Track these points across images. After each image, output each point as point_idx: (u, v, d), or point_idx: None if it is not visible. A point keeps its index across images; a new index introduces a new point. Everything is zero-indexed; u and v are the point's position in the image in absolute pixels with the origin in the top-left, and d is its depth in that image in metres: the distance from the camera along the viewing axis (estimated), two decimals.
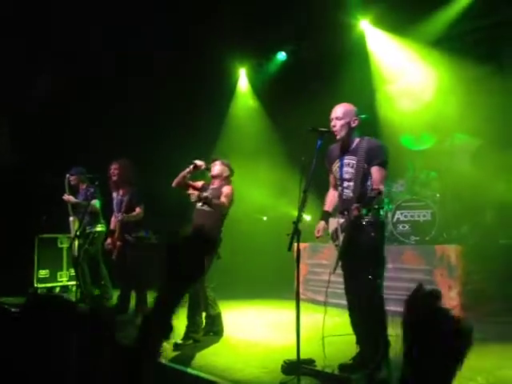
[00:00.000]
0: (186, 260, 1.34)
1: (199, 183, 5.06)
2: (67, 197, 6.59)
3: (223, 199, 4.76)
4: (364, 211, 3.31)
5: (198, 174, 5.11)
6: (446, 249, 5.70)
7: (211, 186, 4.98)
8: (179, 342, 4.44)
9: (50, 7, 7.09)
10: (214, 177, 4.97)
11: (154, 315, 1.31)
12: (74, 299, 6.26)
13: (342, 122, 3.69)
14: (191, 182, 5.00)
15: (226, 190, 4.84)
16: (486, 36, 6.28)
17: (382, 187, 3.54)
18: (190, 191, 4.83)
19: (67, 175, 6.66)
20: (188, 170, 4.84)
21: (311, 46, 7.92)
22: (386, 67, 7.52)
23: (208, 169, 4.95)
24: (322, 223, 3.81)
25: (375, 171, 3.59)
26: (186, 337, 4.58)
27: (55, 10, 7.14)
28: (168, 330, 1.31)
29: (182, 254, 1.35)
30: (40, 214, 7.55)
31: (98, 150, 7.57)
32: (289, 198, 7.29)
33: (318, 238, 3.81)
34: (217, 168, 4.95)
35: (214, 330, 4.90)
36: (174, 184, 4.92)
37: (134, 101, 8.32)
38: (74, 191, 6.75)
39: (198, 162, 4.86)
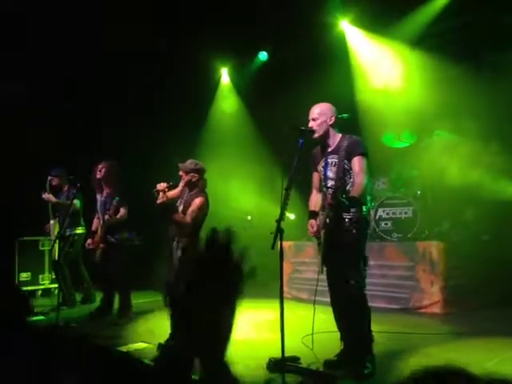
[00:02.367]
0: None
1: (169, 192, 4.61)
2: (47, 195, 6.52)
3: (187, 217, 4.46)
4: (340, 196, 3.35)
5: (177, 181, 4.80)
6: (428, 245, 5.78)
7: (186, 195, 4.69)
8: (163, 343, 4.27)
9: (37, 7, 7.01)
10: (185, 185, 4.68)
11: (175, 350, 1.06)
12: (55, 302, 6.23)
13: (318, 121, 3.74)
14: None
15: (196, 202, 4.52)
16: (464, 35, 6.37)
17: (361, 177, 3.57)
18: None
19: (49, 176, 6.60)
20: (159, 199, 4.48)
21: (292, 46, 7.94)
22: (366, 66, 7.60)
23: (173, 185, 4.61)
24: (312, 221, 3.81)
25: (355, 163, 3.62)
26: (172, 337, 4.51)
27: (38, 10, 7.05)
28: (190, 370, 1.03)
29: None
30: (20, 216, 7.44)
31: (80, 152, 7.49)
32: (273, 196, 7.31)
33: (313, 234, 3.78)
34: (184, 177, 4.63)
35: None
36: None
37: (116, 101, 8.26)
38: (56, 192, 6.69)
39: (160, 186, 4.47)
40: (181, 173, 4.64)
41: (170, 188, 4.54)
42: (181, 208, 4.60)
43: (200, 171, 4.63)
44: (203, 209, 4.54)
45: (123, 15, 7.32)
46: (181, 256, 4.37)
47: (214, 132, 9.10)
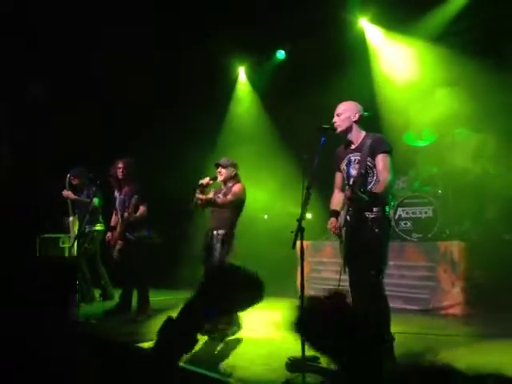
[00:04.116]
0: (228, 295, 1.28)
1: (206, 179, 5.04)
2: (66, 192, 6.61)
3: (228, 196, 4.93)
4: (358, 191, 3.33)
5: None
6: (449, 245, 5.70)
7: (223, 188, 5.11)
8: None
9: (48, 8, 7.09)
10: (224, 181, 5.10)
11: (180, 326, 1.24)
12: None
13: (342, 116, 3.75)
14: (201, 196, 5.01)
15: (234, 188, 5.00)
16: (486, 31, 6.27)
17: (386, 174, 3.54)
18: (198, 196, 4.89)
19: (68, 175, 6.68)
20: (198, 195, 4.88)
21: (310, 44, 7.90)
22: (386, 64, 7.53)
23: (215, 178, 5.05)
24: (333, 219, 3.79)
25: (379, 160, 3.59)
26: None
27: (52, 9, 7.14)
28: (192, 343, 1.24)
29: (225, 288, 1.28)
30: (41, 214, 7.55)
31: (98, 150, 7.57)
32: (289, 196, 7.28)
33: (334, 232, 3.78)
34: (222, 172, 5.07)
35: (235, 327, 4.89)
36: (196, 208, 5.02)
37: (134, 101, 8.31)
38: (76, 191, 6.76)
39: (204, 181, 4.95)
40: (219, 169, 5.07)
41: (213, 180, 5.01)
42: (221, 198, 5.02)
43: (236, 165, 5.16)
44: (242, 193, 5.03)
45: (138, 15, 7.40)
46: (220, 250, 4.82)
47: (232, 131, 9.09)
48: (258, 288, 1.27)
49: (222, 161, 5.12)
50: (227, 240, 4.86)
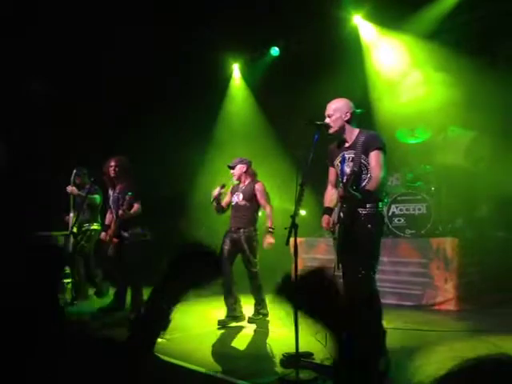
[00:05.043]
0: (195, 269, 1.34)
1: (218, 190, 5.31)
2: (71, 188, 6.60)
3: (265, 206, 5.25)
4: (351, 189, 3.35)
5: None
6: (442, 242, 5.73)
7: (241, 186, 5.39)
8: (251, 316, 5.19)
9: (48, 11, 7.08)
10: (238, 179, 5.40)
11: (153, 308, 1.28)
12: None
13: (333, 117, 3.73)
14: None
15: (259, 188, 5.27)
16: (480, 28, 6.28)
17: (378, 171, 3.55)
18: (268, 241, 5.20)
19: (74, 171, 6.70)
20: (215, 204, 5.27)
21: (304, 41, 7.90)
22: (379, 61, 7.54)
23: (224, 185, 5.32)
24: (326, 216, 3.80)
25: (372, 157, 3.60)
26: (257, 313, 5.23)
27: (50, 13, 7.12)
28: (166, 323, 1.29)
29: (189, 262, 1.35)
30: (36, 211, 7.52)
31: (92, 150, 7.55)
32: (284, 192, 7.29)
33: (327, 229, 3.80)
34: (236, 171, 5.37)
35: (238, 315, 5.22)
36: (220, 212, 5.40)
37: (128, 98, 8.29)
38: (78, 189, 6.77)
39: (215, 193, 5.22)
40: (231, 171, 5.38)
41: (223, 187, 5.27)
42: (240, 196, 5.31)
43: (247, 162, 5.40)
44: (266, 191, 5.32)
45: (132, 15, 7.38)
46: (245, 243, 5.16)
47: (226, 128, 9.09)
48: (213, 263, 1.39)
49: (232, 161, 5.44)
50: (255, 238, 5.23)
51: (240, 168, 5.36)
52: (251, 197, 5.28)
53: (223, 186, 5.29)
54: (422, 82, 6.85)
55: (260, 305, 5.26)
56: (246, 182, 5.36)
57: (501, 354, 0.83)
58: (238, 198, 5.33)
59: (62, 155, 7.57)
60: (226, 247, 5.22)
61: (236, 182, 5.45)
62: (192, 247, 1.39)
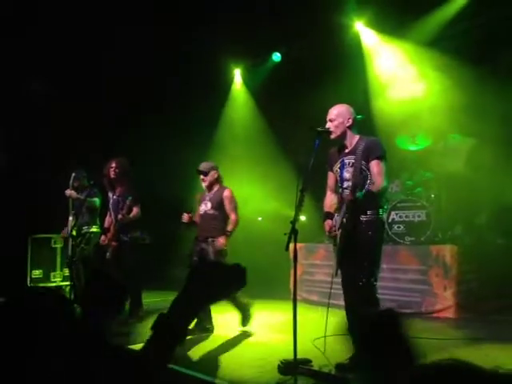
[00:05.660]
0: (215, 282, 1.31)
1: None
2: (69, 191, 6.56)
3: (231, 215, 5.01)
4: (359, 194, 3.36)
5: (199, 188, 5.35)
6: (441, 249, 5.72)
7: (209, 193, 5.16)
8: (195, 330, 4.79)
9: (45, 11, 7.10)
10: (208, 187, 5.16)
11: (171, 319, 1.25)
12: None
13: (336, 123, 3.75)
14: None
15: (227, 196, 5.05)
16: (481, 36, 6.30)
17: (380, 179, 3.55)
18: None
19: (73, 174, 6.67)
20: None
21: (306, 47, 7.92)
22: (381, 68, 7.55)
23: (191, 210, 5.15)
24: (329, 221, 3.80)
25: (373, 165, 3.61)
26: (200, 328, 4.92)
27: (50, 13, 7.14)
28: (183, 335, 1.27)
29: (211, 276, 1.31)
30: (33, 213, 7.51)
31: (92, 151, 7.55)
32: (284, 198, 7.29)
33: (330, 235, 3.79)
34: (209, 177, 5.12)
35: (208, 326, 5.04)
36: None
37: (128, 98, 8.30)
38: (77, 192, 6.75)
39: (184, 219, 5.07)
40: (201, 177, 5.12)
41: (190, 212, 5.10)
42: (209, 205, 5.08)
43: (216, 168, 5.18)
44: (235, 198, 5.09)
45: (132, 15, 7.39)
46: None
47: (227, 133, 9.09)
48: (240, 273, 1.36)
49: (203, 166, 5.13)
50: (223, 251, 4.96)
51: (212, 175, 5.12)
52: (220, 205, 5.04)
53: (189, 212, 5.11)
54: (419, 82, 6.89)
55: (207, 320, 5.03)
56: (215, 189, 5.14)
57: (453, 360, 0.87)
58: (206, 206, 5.11)
59: (62, 155, 7.56)
60: (195, 258, 5.04)
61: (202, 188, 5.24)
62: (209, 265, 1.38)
